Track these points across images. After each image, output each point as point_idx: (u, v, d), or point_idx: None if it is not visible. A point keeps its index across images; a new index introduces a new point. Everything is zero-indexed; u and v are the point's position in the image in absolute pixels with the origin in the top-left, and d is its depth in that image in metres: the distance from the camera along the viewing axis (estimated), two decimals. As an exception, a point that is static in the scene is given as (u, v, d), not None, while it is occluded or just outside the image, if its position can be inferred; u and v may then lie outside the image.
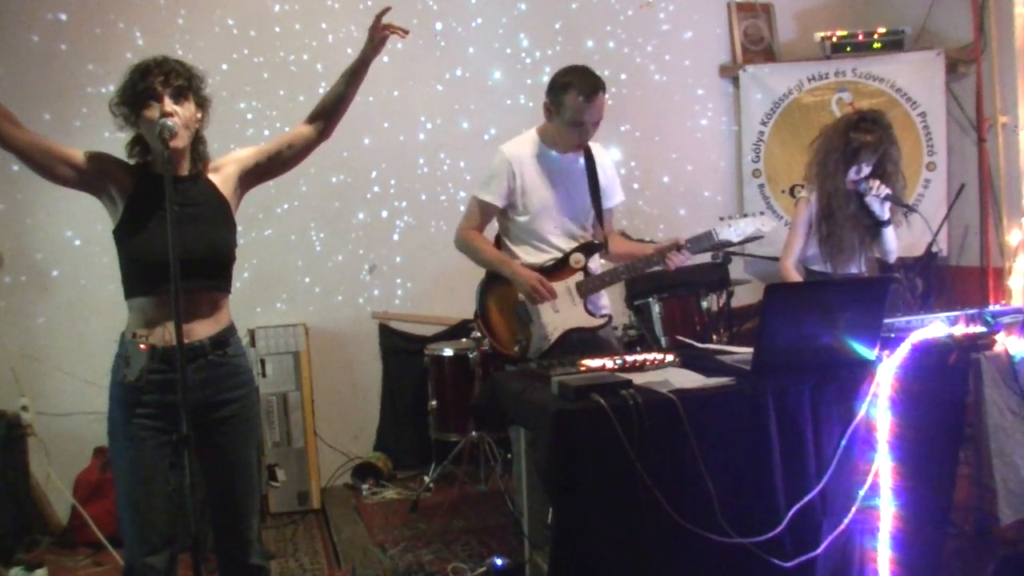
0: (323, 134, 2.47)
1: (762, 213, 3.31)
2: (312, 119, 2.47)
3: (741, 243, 3.18)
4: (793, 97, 5.00)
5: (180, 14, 4.36)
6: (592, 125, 3.08)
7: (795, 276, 3.56)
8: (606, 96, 3.06)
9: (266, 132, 4.42)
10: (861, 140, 3.38)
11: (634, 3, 5.02)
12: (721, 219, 3.15)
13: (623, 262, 3.19)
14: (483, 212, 3.21)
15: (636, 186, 5.01)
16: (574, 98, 2.99)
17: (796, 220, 3.60)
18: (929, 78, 4.78)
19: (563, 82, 3.04)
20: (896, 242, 3.57)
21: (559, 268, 3.18)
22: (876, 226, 3.49)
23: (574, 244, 3.22)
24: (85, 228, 4.15)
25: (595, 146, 3.23)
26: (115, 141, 2.31)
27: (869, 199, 3.43)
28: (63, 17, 4.21)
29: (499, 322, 3.23)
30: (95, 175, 2.21)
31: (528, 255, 3.20)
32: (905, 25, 4.95)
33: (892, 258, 3.60)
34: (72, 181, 2.22)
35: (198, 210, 2.24)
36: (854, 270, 3.55)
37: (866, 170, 3.41)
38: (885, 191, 3.41)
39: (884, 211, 3.46)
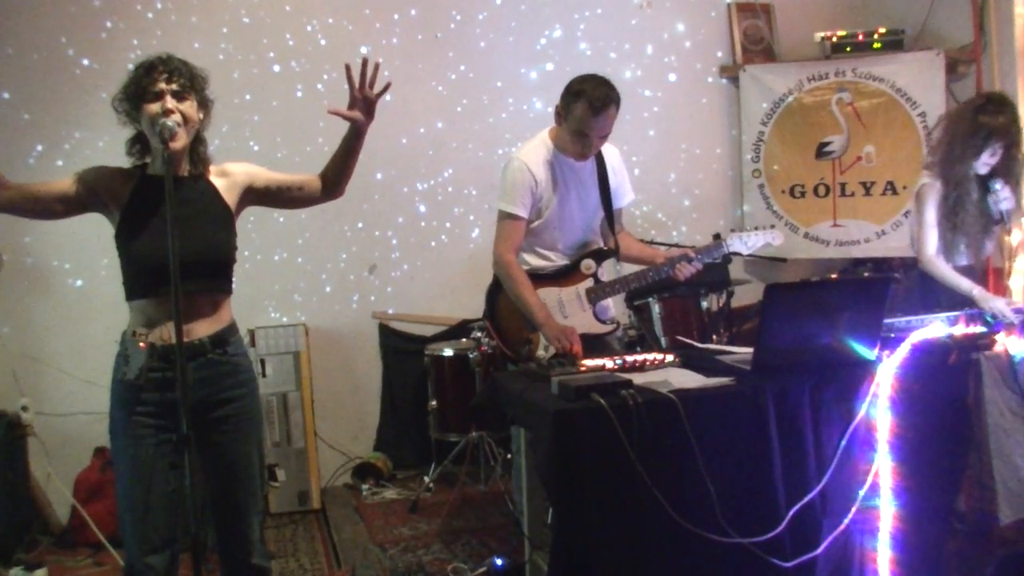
0: (328, 193, 2.44)
1: (772, 227, 3.30)
2: (322, 175, 2.44)
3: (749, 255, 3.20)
4: (793, 97, 5.00)
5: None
6: (598, 139, 3.00)
7: (945, 270, 3.38)
8: (617, 110, 2.96)
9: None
10: (992, 123, 3.30)
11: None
12: (732, 231, 3.17)
13: (632, 263, 3.18)
14: (515, 227, 3.10)
15: (636, 185, 5.00)
16: (583, 108, 2.91)
17: (925, 207, 3.40)
18: (929, 78, 4.77)
19: (576, 89, 2.95)
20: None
21: (569, 273, 3.17)
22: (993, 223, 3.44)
23: (581, 250, 3.20)
24: (85, 229, 4.11)
25: (605, 146, 3.16)
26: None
27: (990, 200, 3.37)
28: None
29: (507, 325, 3.22)
30: (88, 195, 2.21)
31: (534, 260, 3.18)
32: (905, 25, 4.95)
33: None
34: (68, 212, 2.23)
35: (196, 211, 2.23)
36: (971, 262, 3.45)
37: (1000, 152, 3.32)
38: (1009, 205, 3.36)
39: (997, 214, 3.40)
